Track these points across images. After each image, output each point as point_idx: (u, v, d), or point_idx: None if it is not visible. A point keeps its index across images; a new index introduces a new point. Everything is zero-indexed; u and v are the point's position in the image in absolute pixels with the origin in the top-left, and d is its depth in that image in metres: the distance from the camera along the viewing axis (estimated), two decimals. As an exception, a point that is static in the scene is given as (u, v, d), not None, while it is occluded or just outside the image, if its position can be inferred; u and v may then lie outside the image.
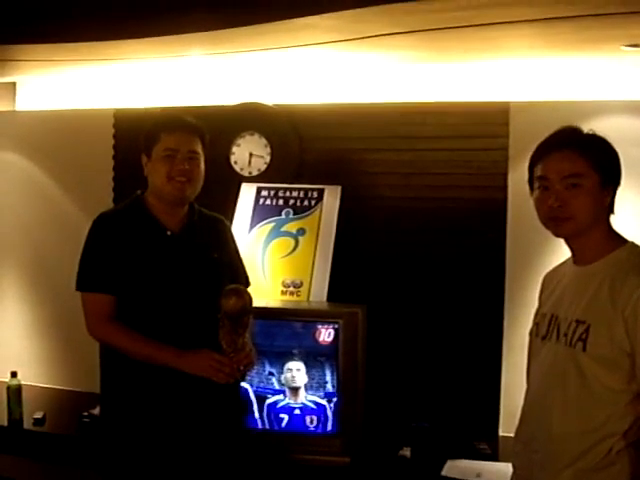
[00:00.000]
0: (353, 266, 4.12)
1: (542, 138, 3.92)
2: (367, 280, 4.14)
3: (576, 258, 2.58)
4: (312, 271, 3.95)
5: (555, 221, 2.51)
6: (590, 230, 2.49)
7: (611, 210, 2.55)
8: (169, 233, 3.11)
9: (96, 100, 4.80)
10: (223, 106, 4.36)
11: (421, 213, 4.12)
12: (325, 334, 3.66)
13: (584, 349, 2.39)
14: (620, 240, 2.53)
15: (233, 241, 3.38)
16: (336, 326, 3.64)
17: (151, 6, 3.20)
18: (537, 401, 2.59)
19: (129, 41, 3.41)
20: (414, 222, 4.13)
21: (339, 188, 4.12)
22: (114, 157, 4.71)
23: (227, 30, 3.10)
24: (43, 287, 4.94)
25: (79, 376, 4.83)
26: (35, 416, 4.27)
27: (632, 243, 2.53)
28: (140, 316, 3.05)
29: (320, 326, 3.66)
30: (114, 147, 4.70)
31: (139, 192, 3.19)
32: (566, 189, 2.46)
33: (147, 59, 3.87)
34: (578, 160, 2.47)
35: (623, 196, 3.82)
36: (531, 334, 2.70)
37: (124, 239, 3.06)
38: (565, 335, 2.47)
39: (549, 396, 2.51)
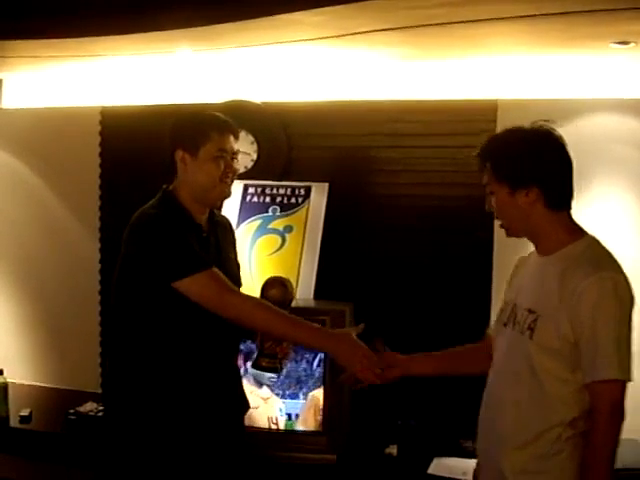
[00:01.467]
0: (340, 264, 4.12)
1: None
2: (354, 278, 4.13)
3: (537, 249, 2.68)
4: (299, 268, 3.95)
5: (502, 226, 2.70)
6: (532, 232, 2.63)
7: (555, 206, 2.59)
8: (205, 234, 3.06)
9: (83, 97, 4.78)
10: (210, 104, 4.34)
11: (409, 210, 4.11)
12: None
13: (531, 338, 2.51)
14: (579, 233, 2.60)
15: (235, 243, 3.37)
16: (323, 323, 3.63)
17: (137, 2, 3.18)
18: (495, 385, 2.69)
19: (115, 37, 3.40)
20: (402, 219, 4.13)
21: (326, 185, 4.11)
22: (101, 155, 4.69)
23: (213, 26, 3.09)
24: (29, 285, 4.92)
25: (65, 374, 4.82)
26: (21, 414, 4.27)
27: (591, 237, 2.60)
28: (175, 315, 2.96)
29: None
30: (101, 145, 4.69)
31: (165, 186, 3.08)
32: (489, 197, 2.65)
33: (133, 55, 3.86)
34: (485, 171, 2.62)
35: (610, 193, 3.86)
36: (497, 320, 2.80)
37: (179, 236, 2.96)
38: (519, 323, 2.59)
39: (505, 381, 2.63)
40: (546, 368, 2.49)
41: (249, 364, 3.67)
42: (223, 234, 3.22)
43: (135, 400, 3.05)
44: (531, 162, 2.56)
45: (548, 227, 2.59)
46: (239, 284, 3.25)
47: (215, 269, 2.92)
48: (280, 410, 3.75)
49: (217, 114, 3.13)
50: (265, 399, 3.76)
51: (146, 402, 3.02)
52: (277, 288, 3.06)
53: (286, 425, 3.75)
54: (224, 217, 3.35)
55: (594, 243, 2.58)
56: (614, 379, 2.40)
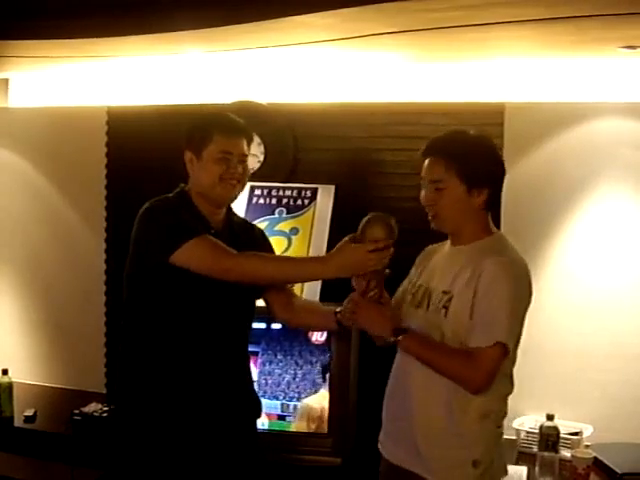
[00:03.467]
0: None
1: (537, 139, 3.95)
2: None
3: (453, 240, 2.91)
4: (305, 271, 3.94)
5: (431, 218, 2.87)
6: (461, 226, 2.83)
7: (489, 207, 2.85)
8: (213, 231, 3.05)
9: (89, 97, 4.78)
10: (217, 104, 4.34)
11: (415, 213, 4.06)
12: (318, 334, 3.66)
13: (446, 316, 2.74)
14: (492, 230, 2.88)
15: (270, 248, 3.33)
16: (329, 326, 3.63)
17: (145, 2, 3.18)
18: (407, 361, 2.87)
19: (123, 38, 3.39)
20: (408, 222, 4.07)
21: (333, 187, 4.11)
22: (107, 154, 4.69)
23: (222, 28, 3.08)
24: (35, 284, 4.93)
25: (70, 374, 4.83)
26: (26, 413, 4.28)
27: (500, 233, 2.91)
28: (183, 309, 2.99)
29: (313, 326, 3.65)
30: (107, 144, 4.69)
31: (183, 185, 3.12)
32: (433, 191, 2.80)
33: (141, 56, 3.85)
34: (441, 168, 2.78)
35: (617, 196, 3.85)
36: (405, 303, 2.97)
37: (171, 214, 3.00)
38: (434, 304, 2.81)
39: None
40: (459, 343, 2.71)
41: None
42: (241, 234, 3.18)
43: (139, 398, 3.06)
44: (490, 166, 2.82)
45: (473, 223, 2.83)
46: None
47: (208, 236, 2.94)
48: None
49: (229, 115, 3.14)
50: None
51: (150, 401, 3.03)
52: (381, 226, 2.90)
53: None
54: (246, 220, 3.39)
55: (503, 238, 2.88)
56: (502, 342, 2.64)
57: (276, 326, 3.70)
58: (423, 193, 2.86)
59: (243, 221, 3.33)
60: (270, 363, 3.73)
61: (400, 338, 2.79)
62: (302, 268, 3.06)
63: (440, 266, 2.91)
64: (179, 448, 2.99)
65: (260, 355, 3.73)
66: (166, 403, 3.00)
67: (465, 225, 2.83)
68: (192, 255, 2.91)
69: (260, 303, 3.27)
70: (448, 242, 2.95)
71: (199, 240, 2.92)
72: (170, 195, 3.10)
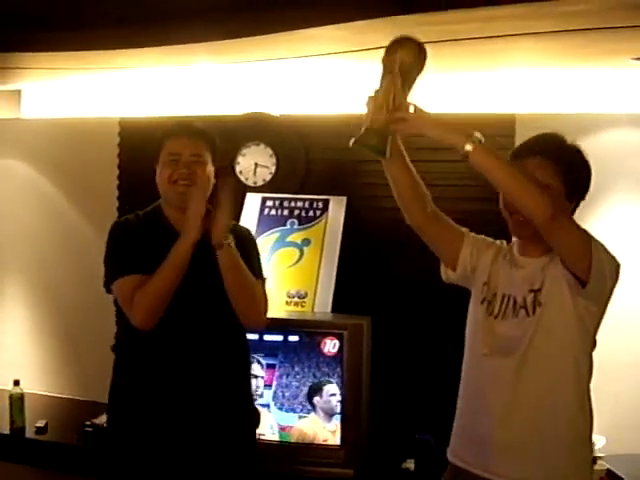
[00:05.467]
0: (358, 277, 4.11)
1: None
2: (372, 291, 4.12)
3: (522, 251, 2.74)
4: (317, 282, 3.94)
5: (516, 222, 2.67)
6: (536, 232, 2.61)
7: None
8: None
9: (101, 108, 4.80)
10: (229, 116, 4.36)
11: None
12: (330, 345, 3.66)
13: (540, 305, 2.61)
14: None
15: (251, 255, 3.24)
16: (341, 337, 3.63)
17: (158, 15, 3.19)
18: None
19: (135, 50, 3.41)
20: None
21: (344, 199, 4.12)
22: (119, 166, 4.71)
23: (234, 40, 3.10)
24: (46, 295, 4.94)
25: (82, 385, 4.83)
26: (37, 424, 4.28)
27: None
28: None
29: (325, 337, 3.66)
30: (119, 156, 4.71)
31: (159, 201, 3.16)
32: None
33: (153, 68, 3.87)
34: (549, 169, 2.60)
35: (628, 207, 3.85)
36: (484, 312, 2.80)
37: (138, 242, 3.02)
38: (521, 307, 2.64)
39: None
40: (550, 341, 2.66)
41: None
42: None
43: (132, 413, 3.14)
44: (589, 180, 2.68)
45: None
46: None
47: (132, 277, 2.94)
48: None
49: (178, 121, 3.33)
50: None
51: (143, 413, 3.09)
52: (412, 48, 2.62)
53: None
54: (241, 228, 3.33)
55: None
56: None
57: (293, 338, 3.69)
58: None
59: (238, 227, 3.28)
60: (287, 375, 3.71)
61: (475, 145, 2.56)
62: (176, 261, 2.93)
63: (514, 274, 2.72)
64: (169, 459, 3.01)
65: (277, 367, 3.72)
66: (156, 415, 3.04)
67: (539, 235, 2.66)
68: (117, 295, 3.03)
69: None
70: (508, 250, 2.81)
71: (120, 283, 2.98)
72: (140, 212, 3.15)
